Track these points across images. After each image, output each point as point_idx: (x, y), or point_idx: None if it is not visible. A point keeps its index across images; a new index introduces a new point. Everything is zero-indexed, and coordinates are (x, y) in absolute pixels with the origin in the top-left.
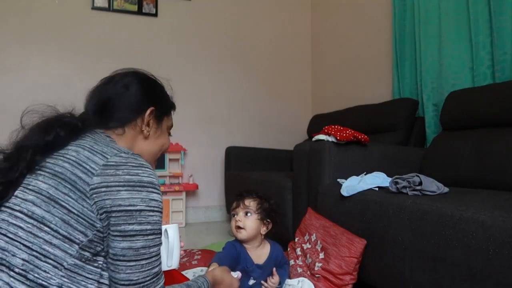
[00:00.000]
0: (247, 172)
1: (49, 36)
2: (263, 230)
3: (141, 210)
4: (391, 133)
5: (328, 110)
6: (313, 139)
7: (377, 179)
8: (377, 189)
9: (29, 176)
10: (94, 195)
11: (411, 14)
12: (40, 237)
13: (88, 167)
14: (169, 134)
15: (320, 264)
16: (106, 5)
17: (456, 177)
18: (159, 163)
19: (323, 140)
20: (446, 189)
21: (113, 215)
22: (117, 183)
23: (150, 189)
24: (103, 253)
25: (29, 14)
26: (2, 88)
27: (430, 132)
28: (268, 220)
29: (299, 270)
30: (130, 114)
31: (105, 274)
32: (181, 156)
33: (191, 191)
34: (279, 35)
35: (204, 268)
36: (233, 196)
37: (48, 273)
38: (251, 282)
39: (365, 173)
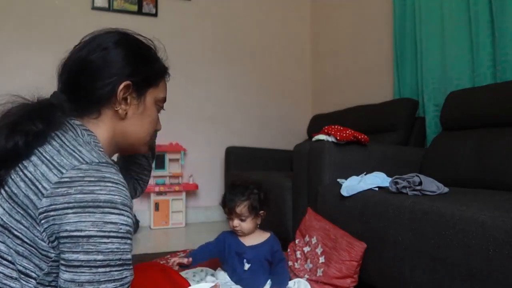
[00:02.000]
0: (247, 172)
1: (49, 36)
2: (259, 221)
3: (90, 236)
4: (391, 133)
5: (328, 110)
6: (313, 139)
7: (377, 179)
8: (377, 189)
9: None
10: (43, 221)
11: (411, 14)
12: (0, 272)
13: (40, 186)
14: (161, 108)
15: (322, 269)
16: (106, 5)
17: (456, 177)
18: (159, 163)
19: (323, 140)
20: (446, 189)
21: (61, 241)
22: (66, 205)
23: (106, 210)
24: None
25: (29, 14)
26: (2, 88)
27: (431, 132)
28: (262, 211)
29: (296, 273)
30: (104, 91)
31: None
32: (181, 156)
33: (191, 191)
34: (279, 35)
35: (204, 268)
36: (226, 192)
37: None
38: (246, 266)
39: (365, 173)
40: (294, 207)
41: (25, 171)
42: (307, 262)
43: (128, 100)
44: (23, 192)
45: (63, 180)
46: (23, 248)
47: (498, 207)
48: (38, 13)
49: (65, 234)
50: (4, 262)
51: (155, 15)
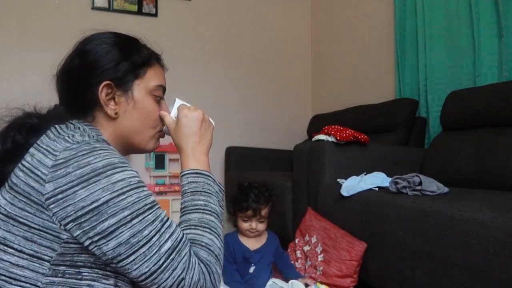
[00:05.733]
0: (247, 172)
1: (49, 36)
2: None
3: (107, 201)
4: (391, 133)
5: (328, 110)
6: (313, 139)
7: (377, 179)
8: (377, 189)
9: None
10: (52, 205)
11: (411, 14)
12: (6, 260)
13: (39, 173)
14: (160, 97)
15: (321, 268)
16: (106, 5)
17: (456, 177)
18: (159, 163)
19: (323, 140)
20: (446, 189)
21: (83, 219)
22: (70, 184)
23: (109, 172)
24: (88, 264)
25: (29, 14)
26: (2, 88)
27: (434, 132)
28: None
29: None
30: (88, 96)
31: (97, 284)
32: None
33: None
34: (279, 35)
35: None
36: (239, 193)
37: None
38: (251, 269)
39: (365, 173)
40: (294, 207)
41: (23, 162)
42: (307, 261)
43: (116, 99)
44: (22, 181)
45: (58, 162)
46: (30, 234)
47: (498, 207)
48: (38, 13)
49: (83, 211)
50: (10, 250)
51: (155, 15)
